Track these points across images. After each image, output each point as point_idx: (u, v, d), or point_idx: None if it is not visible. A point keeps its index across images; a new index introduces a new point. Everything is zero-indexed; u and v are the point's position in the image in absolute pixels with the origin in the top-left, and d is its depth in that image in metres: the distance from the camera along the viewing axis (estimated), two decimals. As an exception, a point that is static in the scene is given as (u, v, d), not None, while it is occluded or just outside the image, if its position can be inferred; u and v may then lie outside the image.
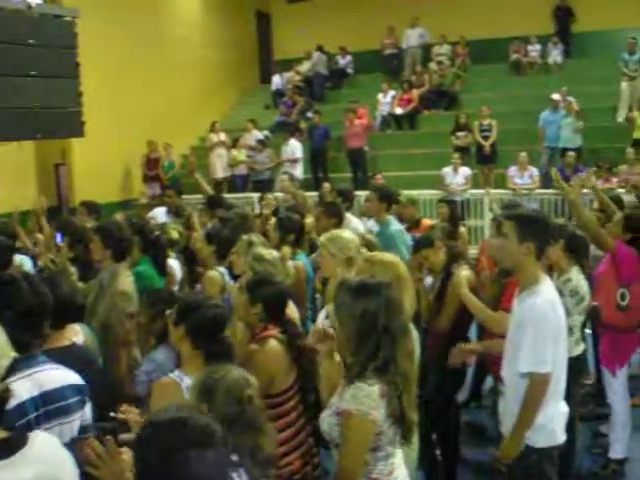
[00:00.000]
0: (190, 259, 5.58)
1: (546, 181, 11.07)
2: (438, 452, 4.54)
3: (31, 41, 6.75)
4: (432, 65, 15.69)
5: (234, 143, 13.94)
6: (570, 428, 3.45)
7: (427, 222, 6.95)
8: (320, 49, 16.81)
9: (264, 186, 12.29)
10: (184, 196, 9.38)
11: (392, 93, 14.76)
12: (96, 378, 2.96)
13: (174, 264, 5.38)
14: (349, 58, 17.06)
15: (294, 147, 13.25)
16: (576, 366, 4.02)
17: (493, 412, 4.53)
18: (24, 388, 2.30)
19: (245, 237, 4.64)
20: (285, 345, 3.30)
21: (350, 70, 17.16)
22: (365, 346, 2.43)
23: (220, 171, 13.66)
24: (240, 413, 2.22)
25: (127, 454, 1.92)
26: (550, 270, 4.26)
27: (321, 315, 3.74)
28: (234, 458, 2.11)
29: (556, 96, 12.45)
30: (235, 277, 4.65)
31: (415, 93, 14.68)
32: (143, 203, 12.23)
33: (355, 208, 8.16)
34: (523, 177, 11.26)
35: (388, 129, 14.91)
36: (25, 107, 6.74)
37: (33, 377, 2.37)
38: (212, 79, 16.06)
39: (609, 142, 12.41)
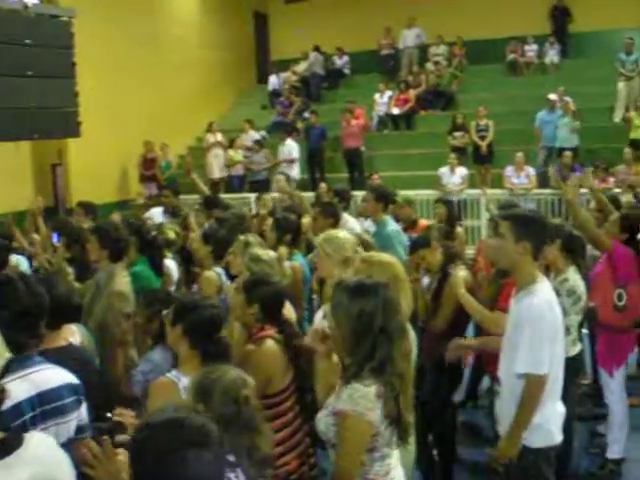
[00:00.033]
0: (187, 259, 5.58)
1: (543, 181, 11.09)
2: (435, 452, 4.55)
3: (27, 41, 6.72)
4: (429, 65, 15.71)
5: (231, 143, 13.94)
6: (567, 428, 3.45)
7: (424, 222, 6.95)
8: (317, 49, 16.80)
9: (261, 186, 12.28)
10: (181, 196, 9.39)
11: (389, 93, 14.74)
12: (93, 378, 2.96)
13: (171, 264, 5.38)
14: (346, 58, 17.05)
15: (291, 147, 13.25)
16: (573, 366, 4.03)
17: (490, 412, 4.52)
18: (21, 389, 2.30)
19: (242, 237, 4.65)
20: (282, 345, 3.30)
21: (347, 70, 17.15)
22: (362, 346, 2.42)
23: (217, 171, 13.63)
24: (237, 413, 2.22)
25: (123, 455, 1.92)
26: (547, 270, 4.26)
27: (318, 315, 3.73)
28: (231, 458, 2.10)
29: (553, 96, 12.45)
30: (232, 277, 4.65)
31: (412, 93, 14.67)
32: (140, 203, 12.17)
33: (352, 208, 8.16)
34: (520, 177, 11.25)
35: (385, 129, 14.89)
36: (21, 107, 6.71)
37: (29, 377, 2.37)
38: (209, 79, 16.03)
39: (606, 142, 12.41)
